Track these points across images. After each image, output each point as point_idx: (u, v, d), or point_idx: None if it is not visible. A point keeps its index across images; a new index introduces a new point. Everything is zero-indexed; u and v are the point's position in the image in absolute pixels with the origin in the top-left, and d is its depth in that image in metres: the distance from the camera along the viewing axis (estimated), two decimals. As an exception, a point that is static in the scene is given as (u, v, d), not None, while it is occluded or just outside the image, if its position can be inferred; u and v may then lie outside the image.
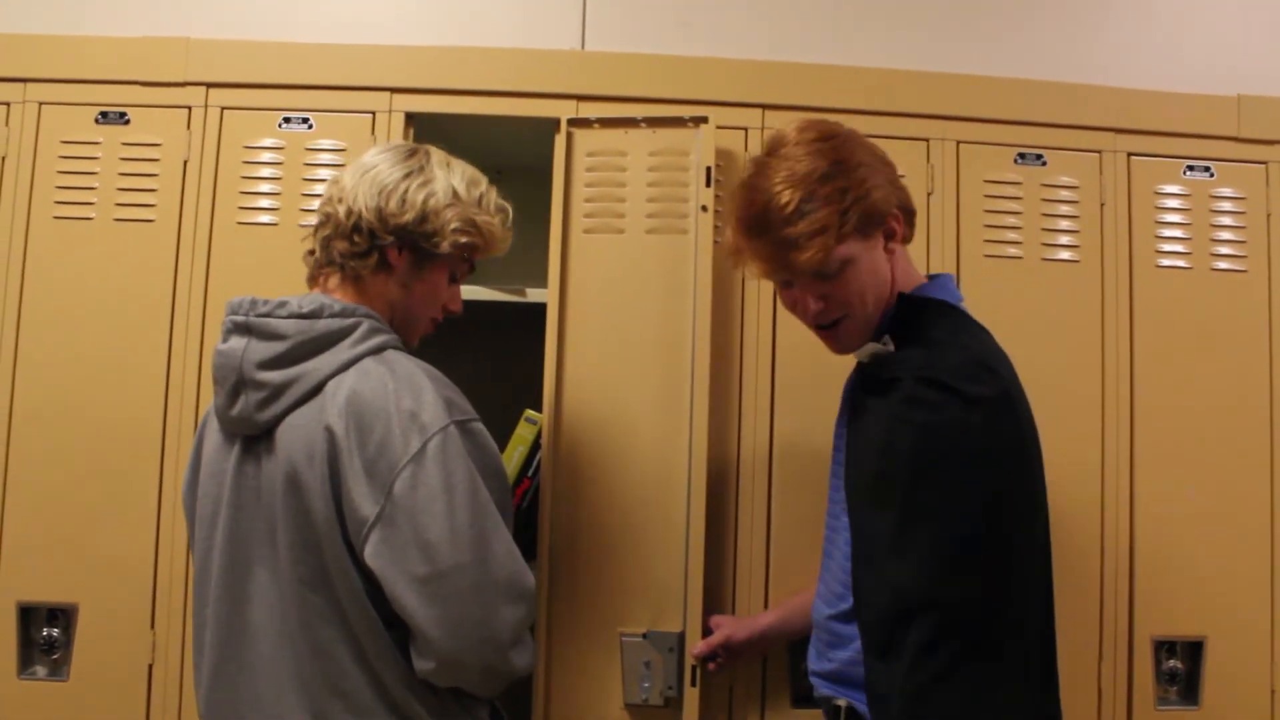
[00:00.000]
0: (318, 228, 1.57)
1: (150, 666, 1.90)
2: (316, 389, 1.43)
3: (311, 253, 1.58)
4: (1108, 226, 2.08)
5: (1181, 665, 2.03)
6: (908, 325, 1.48)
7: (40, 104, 2.00)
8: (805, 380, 1.96)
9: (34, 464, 1.93)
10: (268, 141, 2.00)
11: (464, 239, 1.54)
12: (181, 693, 1.89)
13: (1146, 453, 2.03)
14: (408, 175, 1.53)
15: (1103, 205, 2.08)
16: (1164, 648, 2.03)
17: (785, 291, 1.55)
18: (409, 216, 1.50)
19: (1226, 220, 2.11)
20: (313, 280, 1.58)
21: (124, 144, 2.00)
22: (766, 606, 1.93)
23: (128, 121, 2.00)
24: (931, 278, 1.57)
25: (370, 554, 1.37)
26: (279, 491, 1.43)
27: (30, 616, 1.92)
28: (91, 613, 1.91)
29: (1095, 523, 2.01)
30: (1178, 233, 2.09)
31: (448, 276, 1.59)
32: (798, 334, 1.73)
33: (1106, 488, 2.02)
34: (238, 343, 1.47)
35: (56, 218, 1.98)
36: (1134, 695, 2.00)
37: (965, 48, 2.32)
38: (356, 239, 1.51)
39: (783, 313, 1.82)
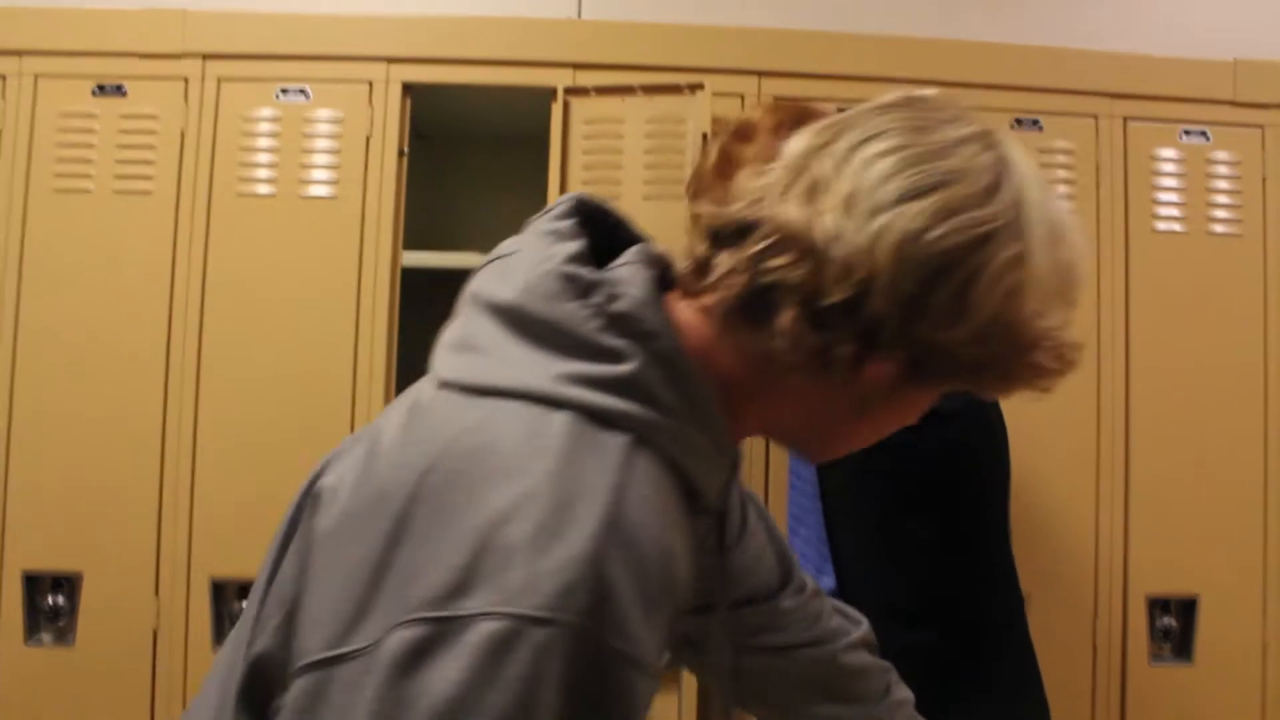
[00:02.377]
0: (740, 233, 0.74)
1: (155, 632, 1.92)
2: (475, 391, 0.73)
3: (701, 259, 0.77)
4: (1104, 191, 2.08)
5: (1175, 622, 2.06)
6: None
7: (37, 76, 2.00)
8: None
9: (36, 433, 1.94)
10: (265, 112, 2.00)
11: (1060, 356, 0.77)
12: (186, 658, 1.91)
13: (1141, 414, 2.05)
14: (984, 241, 0.70)
15: (1099, 169, 2.08)
16: (1158, 605, 2.05)
17: None
18: (970, 324, 0.71)
19: (1223, 184, 2.11)
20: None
21: (122, 116, 2.00)
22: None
23: (125, 94, 2.00)
24: None
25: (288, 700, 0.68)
26: None
27: (35, 584, 1.94)
28: (96, 580, 1.93)
29: (1091, 483, 2.03)
30: (1174, 196, 2.10)
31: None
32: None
33: (1102, 449, 2.04)
34: None
35: (56, 190, 1.98)
36: (1129, 652, 2.03)
37: (962, 15, 2.31)
38: (825, 323, 0.71)
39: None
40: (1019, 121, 2.08)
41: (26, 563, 1.93)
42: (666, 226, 1.98)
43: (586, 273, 0.73)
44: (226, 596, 1.93)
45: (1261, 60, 2.14)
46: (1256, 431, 2.08)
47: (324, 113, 2.00)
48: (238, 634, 0.79)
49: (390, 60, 2.01)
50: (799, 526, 1.61)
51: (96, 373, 1.95)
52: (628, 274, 0.75)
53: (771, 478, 1.96)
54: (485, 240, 1.84)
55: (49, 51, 2.01)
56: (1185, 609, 2.06)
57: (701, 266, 0.76)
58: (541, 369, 0.69)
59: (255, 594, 0.78)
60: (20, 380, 1.95)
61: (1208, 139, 2.11)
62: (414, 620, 0.62)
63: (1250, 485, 2.07)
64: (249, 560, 0.82)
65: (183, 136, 1.99)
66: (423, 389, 0.78)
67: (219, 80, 2.00)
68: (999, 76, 2.08)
